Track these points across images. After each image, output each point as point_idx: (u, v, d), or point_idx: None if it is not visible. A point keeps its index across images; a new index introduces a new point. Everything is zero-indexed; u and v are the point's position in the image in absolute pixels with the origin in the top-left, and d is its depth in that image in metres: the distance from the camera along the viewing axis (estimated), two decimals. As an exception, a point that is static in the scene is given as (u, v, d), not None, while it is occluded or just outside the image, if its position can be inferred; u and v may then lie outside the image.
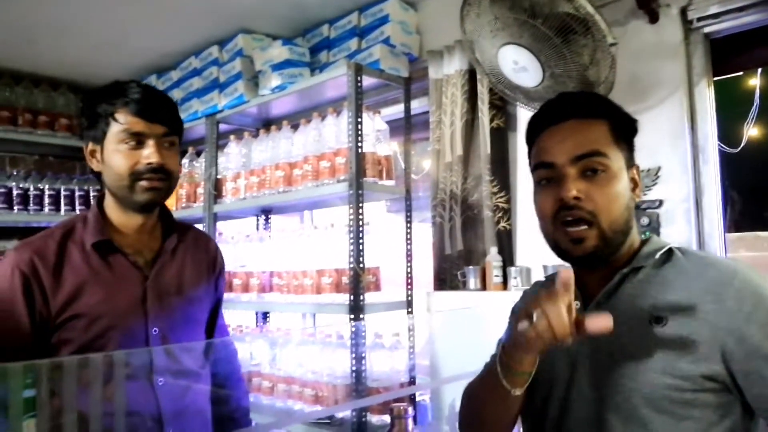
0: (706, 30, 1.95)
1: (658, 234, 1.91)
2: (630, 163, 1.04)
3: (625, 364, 0.94)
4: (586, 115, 1.03)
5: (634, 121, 1.07)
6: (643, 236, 1.08)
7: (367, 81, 2.33)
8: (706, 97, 1.96)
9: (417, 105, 2.64)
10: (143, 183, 1.34)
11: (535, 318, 0.87)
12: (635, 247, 1.05)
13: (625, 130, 1.05)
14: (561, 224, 1.00)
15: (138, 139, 1.34)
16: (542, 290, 0.91)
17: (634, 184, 1.04)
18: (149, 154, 1.34)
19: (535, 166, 1.06)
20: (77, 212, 3.54)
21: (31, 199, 3.42)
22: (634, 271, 1.01)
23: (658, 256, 1.01)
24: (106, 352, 1.25)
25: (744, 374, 0.88)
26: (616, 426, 0.94)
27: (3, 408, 0.79)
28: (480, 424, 1.12)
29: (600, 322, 0.87)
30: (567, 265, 1.07)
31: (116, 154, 1.34)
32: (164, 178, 1.37)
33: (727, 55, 2.02)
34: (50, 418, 0.84)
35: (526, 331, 0.88)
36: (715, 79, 2.01)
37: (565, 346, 0.90)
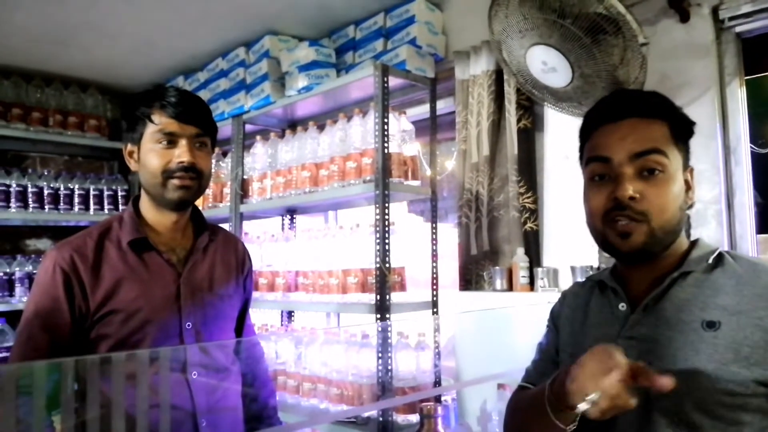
0: (738, 29, 1.93)
1: (688, 236, 1.89)
2: (686, 164, 1.03)
3: (676, 368, 0.93)
4: (646, 114, 1.01)
5: (692, 123, 1.05)
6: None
7: (393, 81, 2.34)
8: (738, 97, 1.93)
9: (442, 105, 2.65)
10: (175, 181, 1.39)
11: (594, 398, 0.84)
12: (683, 249, 1.04)
13: (683, 132, 1.03)
14: (612, 222, 0.99)
15: (171, 139, 1.39)
16: (593, 363, 0.87)
17: (688, 186, 1.03)
18: (181, 153, 1.39)
19: (589, 160, 1.05)
20: (105, 212, 3.61)
21: (62, 198, 3.50)
22: (684, 276, 1.00)
23: (710, 260, 1.00)
24: (142, 349, 1.28)
25: None
26: (665, 429, 0.93)
27: (51, 402, 0.81)
28: None
29: (664, 384, 0.83)
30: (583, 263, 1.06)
31: (151, 153, 1.39)
32: (195, 177, 1.41)
33: (759, 54, 1.99)
34: (85, 413, 0.86)
35: (586, 410, 0.86)
36: (746, 78, 1.98)
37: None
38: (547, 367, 1.20)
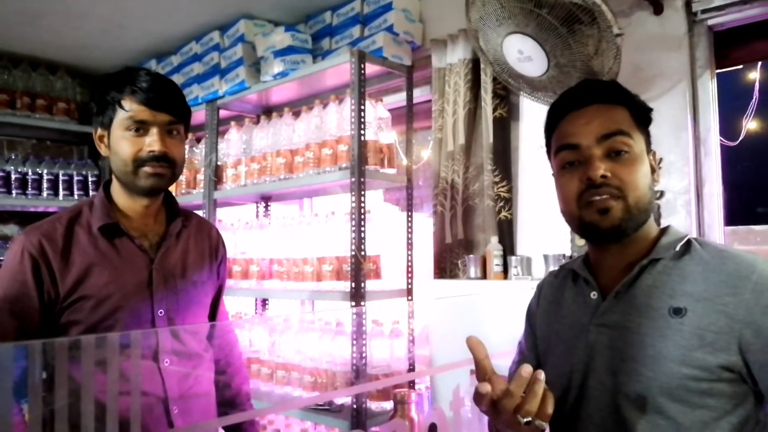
0: (710, 22, 1.96)
1: (658, 225, 1.93)
2: (649, 147, 1.07)
3: (643, 354, 0.96)
4: (607, 100, 1.05)
5: (649, 109, 1.09)
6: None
7: (370, 69, 2.32)
8: (709, 89, 1.97)
9: (419, 93, 2.64)
10: (147, 169, 1.36)
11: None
12: (653, 236, 1.06)
13: (642, 117, 1.07)
14: (587, 203, 1.01)
15: (142, 127, 1.36)
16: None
17: (652, 169, 1.06)
18: (152, 142, 1.35)
19: (558, 149, 1.07)
20: (75, 197, 3.53)
21: (30, 183, 3.42)
22: (653, 263, 1.02)
23: (678, 248, 1.02)
24: (112, 333, 1.26)
25: (759, 365, 0.90)
26: (632, 413, 0.95)
27: (20, 389, 0.79)
28: None
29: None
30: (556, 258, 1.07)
31: (121, 140, 1.36)
32: (168, 165, 1.39)
33: (729, 47, 2.02)
34: (53, 399, 0.85)
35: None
36: (717, 71, 2.02)
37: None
38: None
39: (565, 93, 1.11)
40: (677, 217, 1.92)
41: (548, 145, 1.13)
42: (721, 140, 2.05)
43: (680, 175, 1.93)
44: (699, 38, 1.97)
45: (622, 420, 0.96)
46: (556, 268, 1.27)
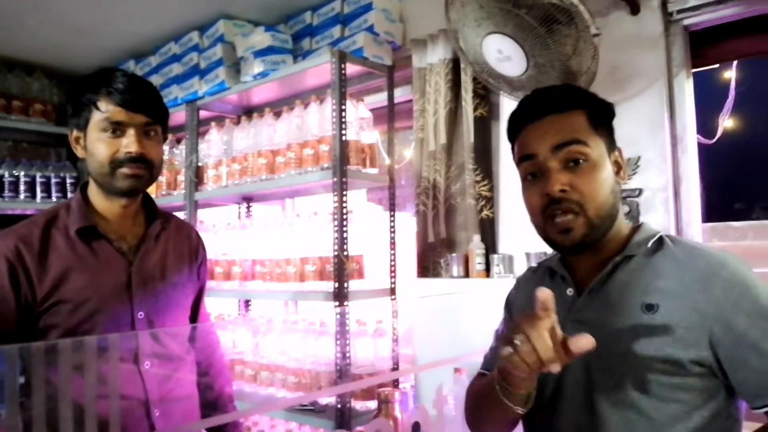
0: (686, 22, 1.99)
1: (637, 222, 1.95)
2: (611, 147, 1.07)
3: (616, 350, 0.97)
4: (562, 108, 1.05)
5: (609, 105, 1.10)
6: (628, 222, 1.11)
7: (351, 69, 2.32)
8: (685, 88, 2.00)
9: (400, 93, 2.65)
10: (124, 170, 1.35)
11: (518, 343, 0.87)
12: (624, 233, 1.08)
13: (603, 117, 1.07)
14: (550, 217, 1.03)
15: (119, 128, 1.35)
16: (521, 316, 0.90)
17: (618, 167, 1.07)
18: (129, 143, 1.34)
19: (519, 161, 1.09)
20: (53, 200, 3.48)
21: (6, 185, 3.36)
22: (627, 260, 1.04)
23: (650, 245, 1.04)
24: (90, 336, 1.25)
25: (729, 360, 0.92)
26: (606, 408, 0.97)
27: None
28: (486, 425, 1.14)
29: (583, 343, 0.86)
30: (543, 253, 1.09)
31: (98, 142, 1.35)
32: (145, 166, 1.38)
33: (705, 47, 2.06)
34: (30, 403, 0.84)
35: (510, 356, 0.88)
36: (693, 71, 2.05)
37: (555, 373, 0.88)
38: None
39: (520, 104, 1.12)
40: (656, 214, 1.95)
41: (513, 151, 1.14)
42: (698, 138, 2.08)
43: (658, 172, 1.96)
44: (675, 38, 2.00)
45: (596, 415, 0.98)
46: (536, 265, 1.28)
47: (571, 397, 1.02)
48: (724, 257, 0.97)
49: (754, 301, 0.92)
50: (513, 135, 1.12)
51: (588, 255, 1.06)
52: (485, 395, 1.08)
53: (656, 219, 1.94)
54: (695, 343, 0.92)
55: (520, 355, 0.87)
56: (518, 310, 1.23)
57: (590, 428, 0.99)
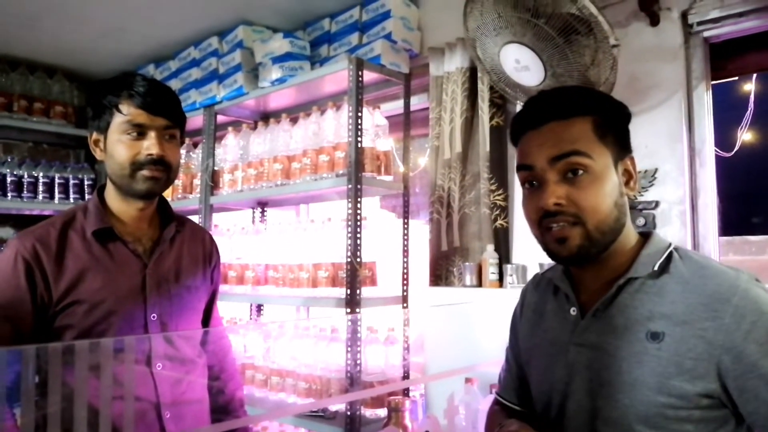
0: (706, 34, 1.97)
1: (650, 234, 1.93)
2: (621, 155, 1.00)
3: (620, 379, 0.94)
4: (566, 115, 0.99)
5: (622, 108, 1.03)
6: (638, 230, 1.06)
7: (368, 76, 2.33)
8: (704, 100, 1.98)
9: (416, 101, 2.65)
10: (144, 172, 1.37)
11: None
12: (632, 245, 1.02)
13: (613, 122, 1.01)
14: (546, 228, 0.99)
15: (140, 131, 1.37)
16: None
17: (628, 176, 1.01)
18: (150, 145, 1.36)
19: (518, 168, 1.04)
20: (71, 201, 3.52)
21: (25, 186, 3.41)
22: (631, 281, 0.98)
23: (656, 266, 0.97)
24: (105, 338, 1.26)
25: (739, 391, 0.88)
26: None
27: (13, 394, 0.79)
28: None
29: None
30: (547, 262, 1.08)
31: (118, 144, 1.37)
32: (164, 169, 1.40)
33: (725, 59, 2.04)
34: (45, 403, 0.84)
35: None
36: (713, 83, 2.03)
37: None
38: (513, 382, 1.22)
39: (524, 107, 1.06)
40: (672, 227, 1.93)
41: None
42: (716, 151, 2.06)
43: (675, 185, 1.94)
44: (695, 50, 1.98)
45: None
46: (539, 274, 1.24)
47: (575, 423, 0.99)
48: (735, 280, 0.91)
49: (767, 329, 0.87)
50: (515, 139, 1.07)
51: (591, 269, 1.02)
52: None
53: (672, 232, 1.92)
54: (703, 375, 0.88)
55: None
56: (524, 330, 1.19)
57: None
